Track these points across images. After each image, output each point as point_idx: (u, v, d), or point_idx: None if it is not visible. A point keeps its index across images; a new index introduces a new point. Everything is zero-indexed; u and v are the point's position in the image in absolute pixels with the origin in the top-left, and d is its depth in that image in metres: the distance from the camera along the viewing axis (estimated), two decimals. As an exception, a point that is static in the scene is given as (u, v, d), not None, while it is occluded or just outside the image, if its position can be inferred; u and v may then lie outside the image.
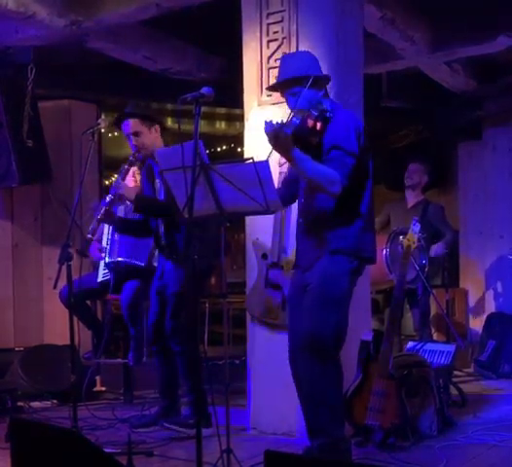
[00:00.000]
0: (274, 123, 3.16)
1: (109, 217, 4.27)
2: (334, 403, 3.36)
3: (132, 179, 4.53)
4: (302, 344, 3.34)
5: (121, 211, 4.75)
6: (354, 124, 3.38)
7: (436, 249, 5.77)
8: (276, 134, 3.12)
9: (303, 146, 3.24)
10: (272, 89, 3.67)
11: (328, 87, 3.55)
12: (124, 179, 4.25)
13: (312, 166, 3.25)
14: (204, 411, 3.99)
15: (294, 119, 3.27)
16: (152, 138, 4.22)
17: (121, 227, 4.53)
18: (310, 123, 3.32)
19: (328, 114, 3.34)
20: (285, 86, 3.48)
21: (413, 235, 4.16)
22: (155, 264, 4.79)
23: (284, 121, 3.24)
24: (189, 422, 4.02)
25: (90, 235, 4.18)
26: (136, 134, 4.23)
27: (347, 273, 3.38)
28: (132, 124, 4.24)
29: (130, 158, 4.26)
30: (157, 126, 4.28)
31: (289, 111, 3.38)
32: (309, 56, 3.55)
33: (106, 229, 5.18)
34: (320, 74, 3.48)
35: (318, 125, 3.33)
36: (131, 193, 4.18)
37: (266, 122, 3.17)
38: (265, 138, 3.18)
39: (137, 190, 4.29)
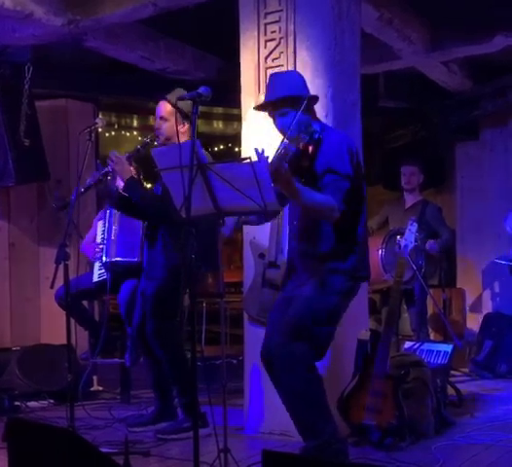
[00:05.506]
0: (270, 156, 3.01)
1: (100, 184, 4.17)
2: (316, 403, 3.30)
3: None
4: (283, 333, 3.25)
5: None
6: (347, 144, 3.30)
7: (431, 245, 5.68)
8: (277, 170, 3.01)
9: (294, 170, 3.15)
10: (259, 108, 3.50)
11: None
12: (130, 158, 4.10)
13: (310, 196, 3.17)
14: (198, 412, 3.96)
15: (289, 147, 3.14)
16: (173, 132, 3.82)
17: (117, 202, 4.26)
18: (302, 147, 3.27)
19: (317, 135, 3.28)
20: (275, 105, 3.36)
21: (410, 235, 4.16)
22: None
23: (276, 147, 3.13)
24: (183, 426, 4.02)
25: (82, 189, 4.09)
26: (163, 119, 4.13)
27: (337, 293, 3.32)
28: (164, 107, 4.12)
29: (147, 140, 4.16)
30: (186, 124, 4.08)
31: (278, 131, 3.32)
32: (298, 77, 3.45)
33: (100, 228, 5.16)
34: (311, 95, 3.37)
35: (310, 148, 3.30)
36: (127, 173, 4.06)
37: (262, 157, 2.95)
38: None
39: (134, 176, 4.18)
